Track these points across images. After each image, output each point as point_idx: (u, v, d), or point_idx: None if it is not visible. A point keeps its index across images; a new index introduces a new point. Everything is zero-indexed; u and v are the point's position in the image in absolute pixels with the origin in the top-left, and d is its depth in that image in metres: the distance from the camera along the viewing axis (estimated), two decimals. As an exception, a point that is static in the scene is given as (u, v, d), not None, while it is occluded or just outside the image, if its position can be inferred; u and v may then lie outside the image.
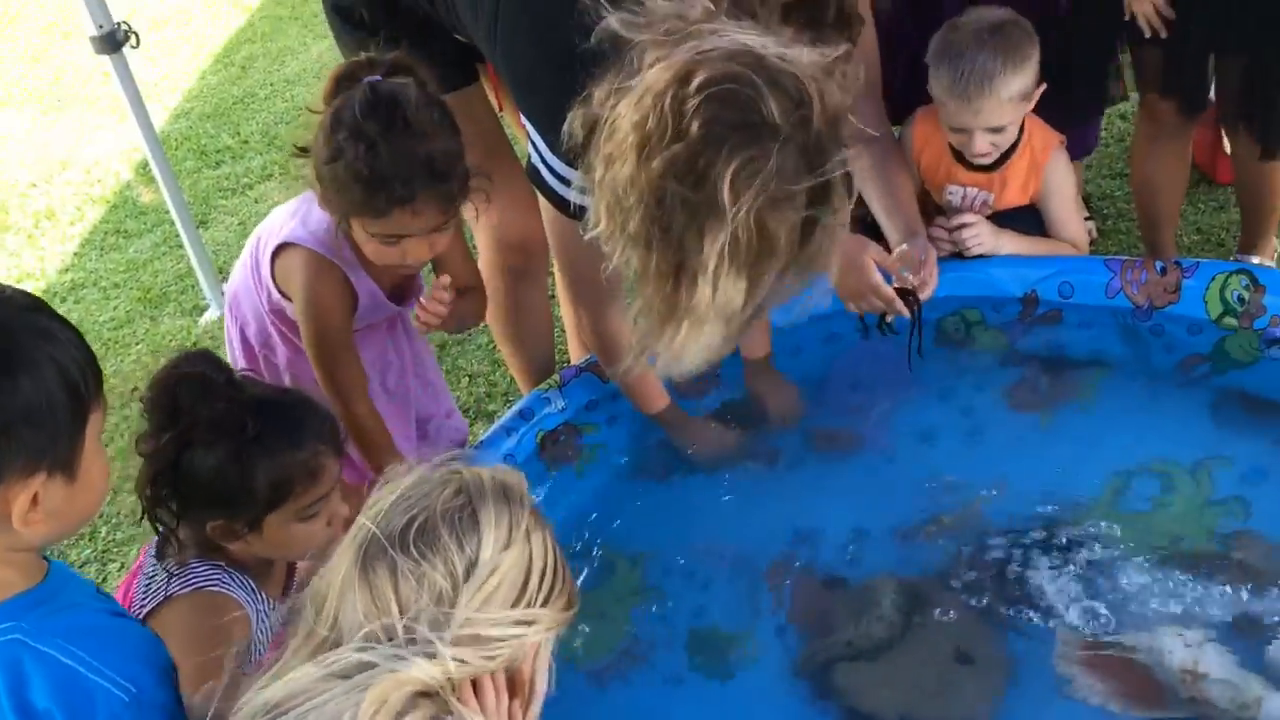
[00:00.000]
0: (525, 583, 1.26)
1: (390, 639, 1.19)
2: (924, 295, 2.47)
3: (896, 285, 2.46)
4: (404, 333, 2.51)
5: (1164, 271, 2.55)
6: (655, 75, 1.67)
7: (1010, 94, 2.58)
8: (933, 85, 2.64)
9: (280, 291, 2.32)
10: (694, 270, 1.69)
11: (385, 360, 2.47)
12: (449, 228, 2.19)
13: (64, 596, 1.36)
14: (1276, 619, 1.95)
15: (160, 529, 1.84)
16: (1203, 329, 2.49)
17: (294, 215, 2.31)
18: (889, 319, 2.51)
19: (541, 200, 2.27)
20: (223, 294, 4.12)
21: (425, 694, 1.18)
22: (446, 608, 1.20)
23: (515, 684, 1.27)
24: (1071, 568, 2.09)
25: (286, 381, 2.39)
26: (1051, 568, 2.10)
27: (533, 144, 2.20)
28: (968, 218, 2.67)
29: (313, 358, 2.27)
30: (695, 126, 1.62)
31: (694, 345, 1.75)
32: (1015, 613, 2.06)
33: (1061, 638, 1.99)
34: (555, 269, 2.59)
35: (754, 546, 2.31)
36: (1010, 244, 2.71)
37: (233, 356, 2.47)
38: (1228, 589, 2.00)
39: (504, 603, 1.24)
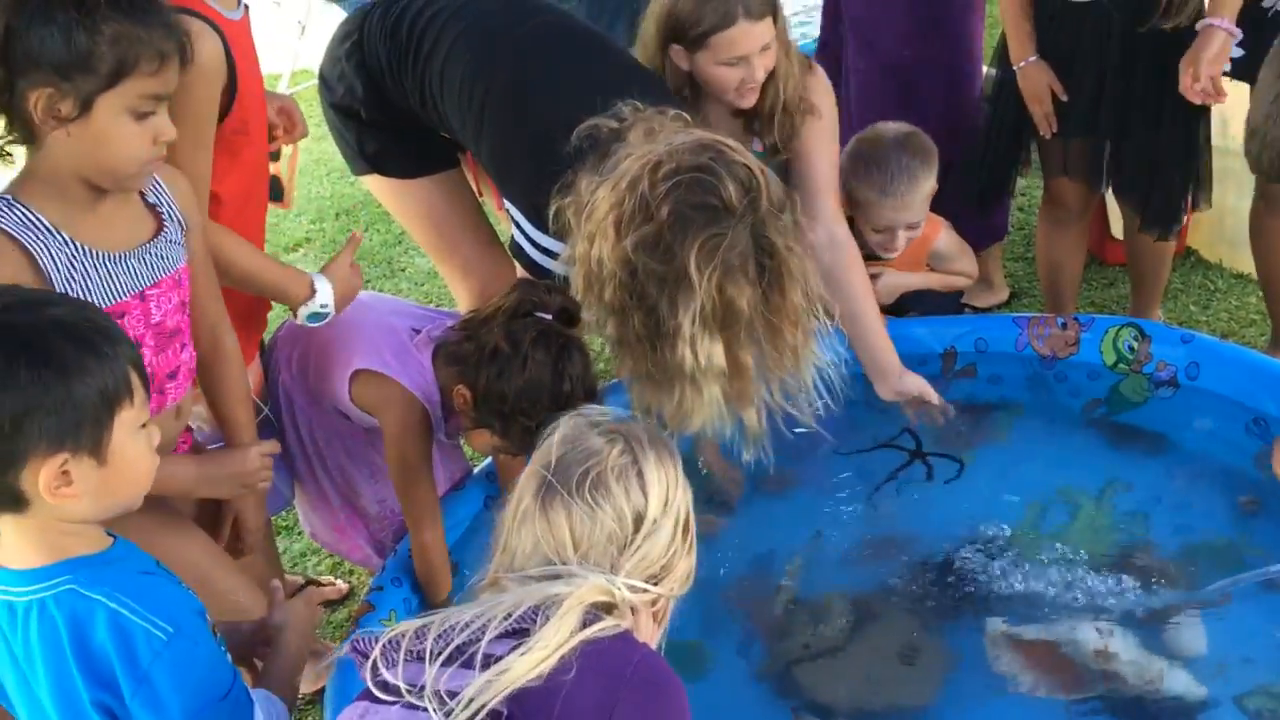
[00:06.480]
0: (674, 534, 1.48)
1: (564, 563, 1.41)
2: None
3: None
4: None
5: (1064, 326, 2.89)
6: (629, 165, 1.98)
7: (926, 192, 2.99)
8: (857, 191, 2.99)
9: (355, 403, 2.41)
10: (672, 336, 1.96)
11: None
12: None
13: (119, 564, 1.55)
14: (1171, 610, 2.25)
15: None
16: (1100, 375, 2.81)
17: (387, 347, 2.38)
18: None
19: (520, 274, 2.55)
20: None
21: (607, 607, 1.40)
22: (615, 549, 1.43)
23: (656, 617, 1.50)
24: (998, 576, 2.37)
25: (299, 411, 2.54)
26: (980, 577, 2.37)
27: (516, 224, 2.47)
28: (874, 268, 2.99)
29: (394, 477, 2.40)
30: (665, 210, 1.92)
31: (698, 405, 2.02)
32: (951, 615, 2.33)
33: (991, 633, 2.25)
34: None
35: (714, 572, 2.52)
36: (916, 279, 3.16)
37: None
38: (1131, 588, 2.30)
39: (662, 550, 1.46)
